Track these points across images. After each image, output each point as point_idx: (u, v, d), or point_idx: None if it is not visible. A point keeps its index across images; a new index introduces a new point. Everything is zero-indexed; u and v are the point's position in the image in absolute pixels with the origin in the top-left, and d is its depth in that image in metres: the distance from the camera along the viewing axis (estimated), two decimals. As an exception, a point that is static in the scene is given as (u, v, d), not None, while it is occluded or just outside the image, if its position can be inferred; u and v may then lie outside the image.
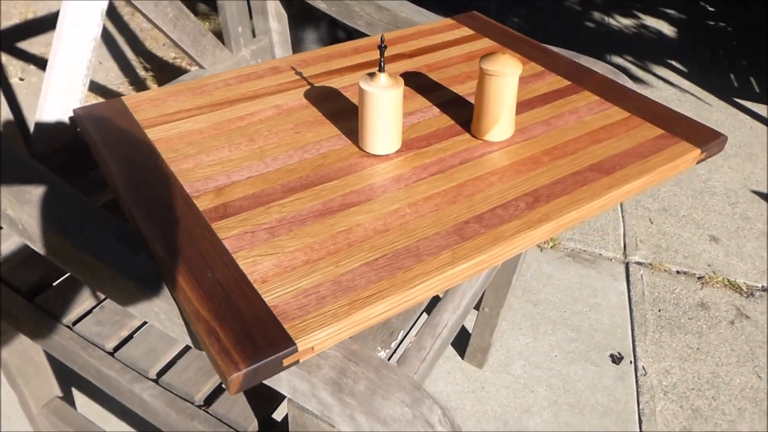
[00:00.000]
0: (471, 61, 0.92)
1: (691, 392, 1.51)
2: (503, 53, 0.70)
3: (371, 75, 0.67)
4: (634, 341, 1.64)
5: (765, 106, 2.71)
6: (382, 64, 0.66)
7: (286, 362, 0.49)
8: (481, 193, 0.66)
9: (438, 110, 0.80)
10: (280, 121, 0.76)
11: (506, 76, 0.69)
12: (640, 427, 1.43)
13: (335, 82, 0.85)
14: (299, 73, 0.86)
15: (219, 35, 1.20)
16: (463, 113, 0.80)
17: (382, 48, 0.65)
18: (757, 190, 2.19)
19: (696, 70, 2.97)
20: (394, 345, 0.87)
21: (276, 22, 1.25)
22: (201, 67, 1.15)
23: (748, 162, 2.35)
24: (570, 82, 0.87)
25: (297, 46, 2.19)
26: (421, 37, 0.98)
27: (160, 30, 1.03)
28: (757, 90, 2.83)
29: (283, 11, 1.26)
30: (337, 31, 2.66)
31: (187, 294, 0.53)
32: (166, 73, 2.54)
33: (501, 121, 0.72)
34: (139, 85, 2.45)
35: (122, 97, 0.79)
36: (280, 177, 0.67)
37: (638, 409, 1.47)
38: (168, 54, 2.66)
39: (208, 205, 0.63)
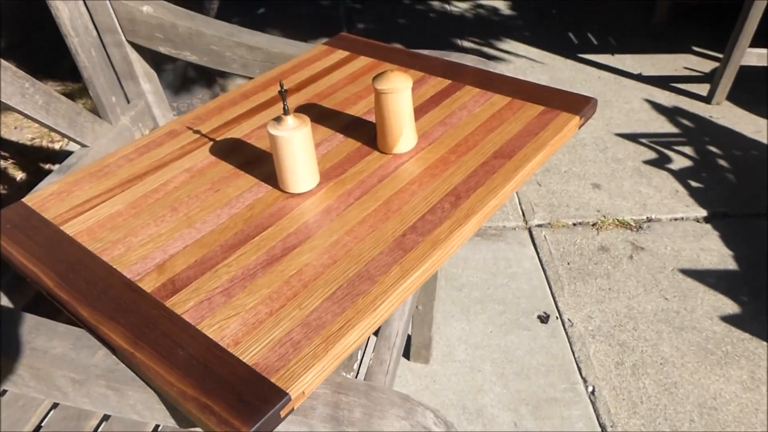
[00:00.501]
0: (355, 81, 0.96)
1: (614, 329, 1.66)
2: (392, 71, 0.75)
3: (278, 119, 0.70)
4: (554, 298, 1.77)
5: (605, 56, 3.00)
6: (286, 107, 0.69)
7: (283, 413, 0.51)
8: (407, 205, 0.71)
9: (342, 136, 0.84)
10: (196, 183, 0.77)
11: (400, 92, 0.74)
12: (581, 373, 1.55)
13: (235, 132, 0.86)
14: (197, 131, 0.86)
15: (92, 109, 1.17)
16: (365, 132, 0.84)
17: (283, 93, 0.68)
18: (620, 132, 2.43)
19: (537, 37, 3.22)
20: (356, 366, 0.90)
21: (147, 83, 1.23)
22: (83, 145, 1.11)
23: (606, 109, 2.60)
24: (450, 81, 0.94)
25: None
26: (302, 68, 1.01)
27: (33, 119, 0.99)
28: (596, 42, 3.12)
29: (152, 70, 1.24)
30: (187, 71, 2.62)
31: (166, 377, 0.53)
32: (27, 155, 2.39)
33: (405, 133, 0.77)
34: None
35: (23, 200, 0.75)
36: (215, 238, 0.68)
37: (575, 359, 1.59)
38: (24, 136, 2.49)
39: (155, 285, 0.63)
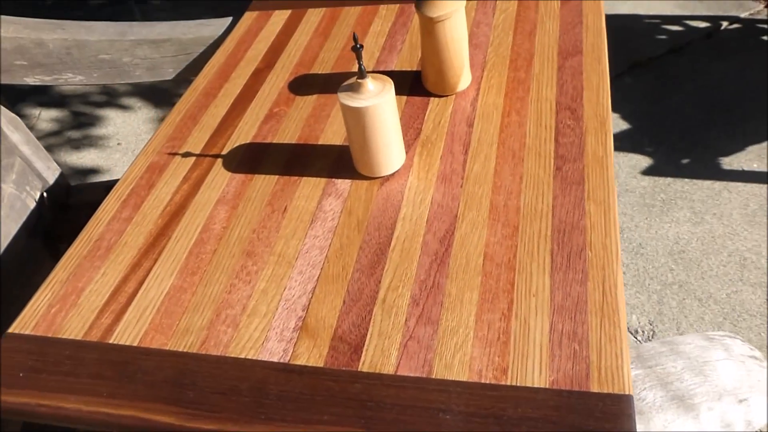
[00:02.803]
0: (329, 37, 0.79)
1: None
2: (435, -7, 0.60)
3: (351, 87, 0.52)
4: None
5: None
6: (363, 68, 0.51)
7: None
8: (527, 137, 0.58)
9: (374, 96, 0.67)
10: (247, 212, 0.56)
11: (456, 14, 0.60)
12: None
13: (240, 137, 0.65)
14: (188, 154, 0.64)
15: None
16: (399, 84, 0.69)
17: (358, 50, 0.50)
18: None
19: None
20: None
21: (14, 131, 0.92)
22: (-25, 240, 0.80)
23: None
24: (433, 4, 0.81)
25: None
26: (250, 42, 0.80)
27: None
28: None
29: (14, 115, 0.93)
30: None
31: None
32: None
33: (466, 64, 0.64)
34: None
35: (10, 331, 0.50)
36: (342, 265, 0.50)
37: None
38: None
39: (321, 354, 0.44)
